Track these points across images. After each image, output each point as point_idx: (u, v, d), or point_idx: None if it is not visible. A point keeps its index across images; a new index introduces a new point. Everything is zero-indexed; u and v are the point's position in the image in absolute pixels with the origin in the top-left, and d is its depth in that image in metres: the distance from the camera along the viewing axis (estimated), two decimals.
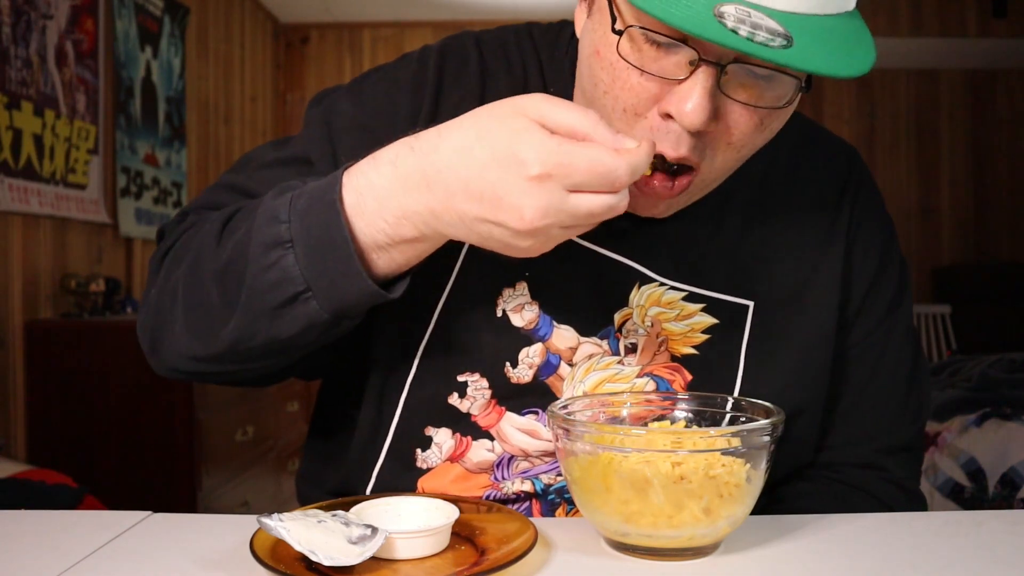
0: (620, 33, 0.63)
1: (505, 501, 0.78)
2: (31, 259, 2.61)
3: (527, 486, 0.78)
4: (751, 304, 0.79)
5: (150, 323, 0.73)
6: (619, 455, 0.59)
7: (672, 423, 0.71)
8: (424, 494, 0.77)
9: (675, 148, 0.65)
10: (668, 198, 0.69)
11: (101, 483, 2.42)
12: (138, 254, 3.26)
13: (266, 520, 0.56)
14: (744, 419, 0.67)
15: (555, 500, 0.78)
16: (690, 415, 0.71)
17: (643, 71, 0.63)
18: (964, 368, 2.41)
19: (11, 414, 2.54)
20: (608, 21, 0.64)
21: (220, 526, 0.69)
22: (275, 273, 0.62)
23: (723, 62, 0.61)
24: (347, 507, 0.63)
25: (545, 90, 0.80)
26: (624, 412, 0.72)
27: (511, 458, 0.78)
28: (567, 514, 0.78)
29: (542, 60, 0.81)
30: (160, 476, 2.57)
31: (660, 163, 0.67)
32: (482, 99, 0.77)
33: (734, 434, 0.59)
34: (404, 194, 0.61)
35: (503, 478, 0.78)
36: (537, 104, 0.59)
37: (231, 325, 0.66)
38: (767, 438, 0.61)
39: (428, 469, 0.78)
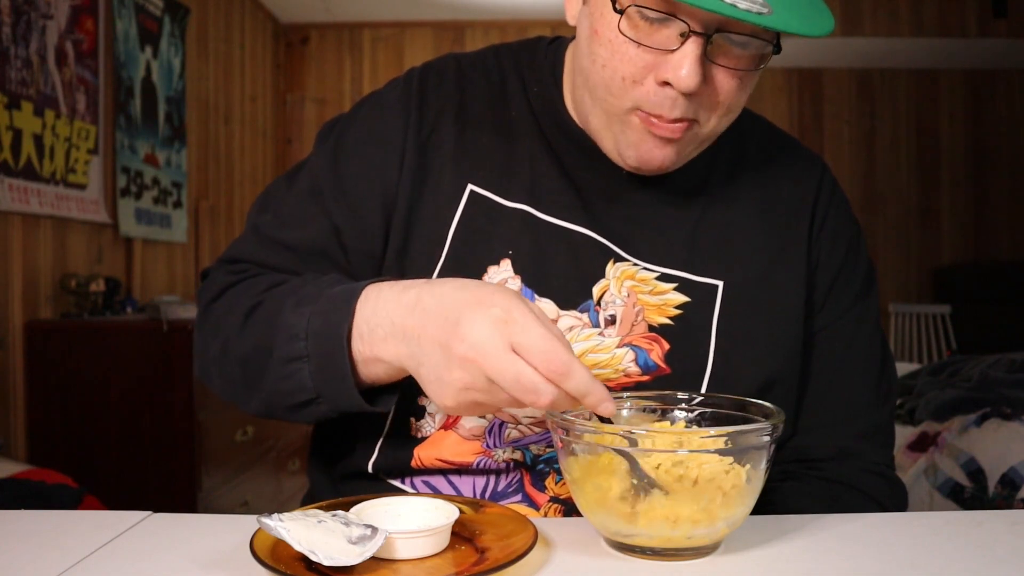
0: (621, 12, 0.71)
1: (496, 470, 0.81)
2: (31, 259, 2.61)
3: (517, 455, 0.81)
4: (720, 284, 0.84)
5: (198, 368, 0.87)
6: (619, 455, 0.59)
7: (672, 423, 0.71)
8: (420, 464, 0.81)
9: (671, 110, 0.74)
10: (671, 137, 0.76)
11: (101, 483, 2.42)
12: (138, 254, 3.25)
13: (266, 520, 0.56)
14: (744, 419, 0.67)
15: (544, 470, 0.82)
16: (690, 415, 0.71)
17: (640, 44, 0.72)
18: (964, 368, 2.40)
19: (11, 414, 2.54)
20: (605, 4, 0.73)
21: (220, 526, 0.69)
22: (292, 383, 0.75)
23: (708, 32, 0.70)
24: (347, 507, 0.63)
25: (525, 92, 0.88)
26: (624, 412, 0.72)
27: (502, 425, 0.81)
28: (556, 484, 0.81)
29: (522, 66, 0.90)
30: (160, 476, 2.57)
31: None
32: (461, 104, 0.87)
33: (734, 434, 0.59)
34: (397, 314, 0.69)
35: (494, 445, 0.81)
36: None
37: (255, 403, 0.80)
38: (767, 438, 0.61)
39: (423, 438, 0.82)
